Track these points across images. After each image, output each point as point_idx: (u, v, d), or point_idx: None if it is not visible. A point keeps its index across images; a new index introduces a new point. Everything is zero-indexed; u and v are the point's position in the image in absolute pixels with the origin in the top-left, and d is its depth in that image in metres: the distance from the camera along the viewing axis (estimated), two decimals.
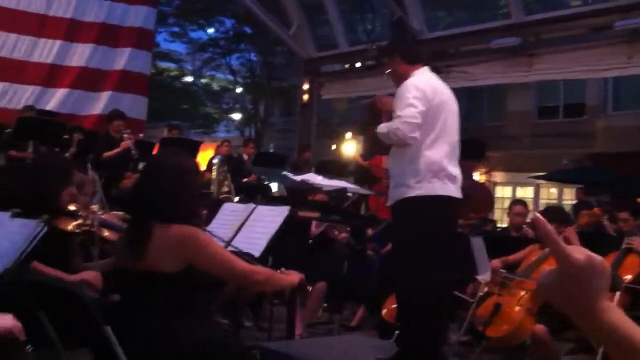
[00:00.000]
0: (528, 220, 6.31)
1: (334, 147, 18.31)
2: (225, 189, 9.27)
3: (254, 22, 18.27)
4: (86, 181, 4.18)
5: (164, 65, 25.27)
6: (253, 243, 3.22)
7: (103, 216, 4.04)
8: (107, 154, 7.47)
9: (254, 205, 3.82)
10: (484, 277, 4.72)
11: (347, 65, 13.86)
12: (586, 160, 17.63)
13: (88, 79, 11.24)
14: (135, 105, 11.32)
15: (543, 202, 19.05)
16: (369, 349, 3.98)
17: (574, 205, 9.87)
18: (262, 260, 3.94)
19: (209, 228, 3.49)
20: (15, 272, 2.45)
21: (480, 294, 4.88)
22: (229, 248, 3.10)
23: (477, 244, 4.76)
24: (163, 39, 23.93)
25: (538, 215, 1.02)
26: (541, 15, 10.73)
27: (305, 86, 14.23)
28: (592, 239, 5.17)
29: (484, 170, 19.44)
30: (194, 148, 8.12)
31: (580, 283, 1.00)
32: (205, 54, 25.86)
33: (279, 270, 3.01)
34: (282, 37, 14.17)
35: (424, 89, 3.61)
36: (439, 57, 11.53)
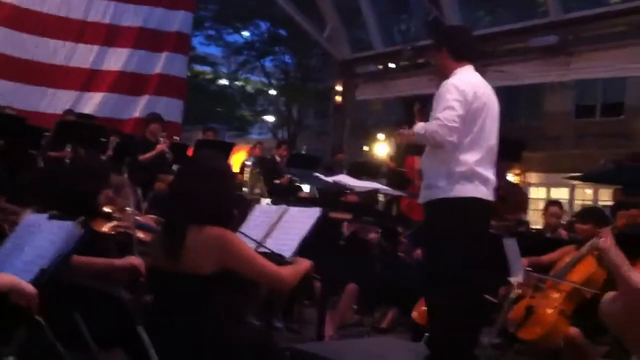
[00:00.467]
0: (563, 221, 6.23)
1: (366, 148, 18.30)
2: (258, 190, 9.34)
3: (289, 24, 18.37)
4: (125, 184, 4.25)
5: (199, 68, 25.53)
6: (285, 244, 3.23)
7: (139, 218, 4.12)
8: (142, 157, 7.58)
9: (285, 207, 3.84)
10: (516, 278, 4.67)
11: (381, 66, 13.83)
12: (625, 161, 17.27)
13: (126, 83, 11.43)
14: (172, 109, 11.47)
15: (578, 203, 18.73)
16: (399, 351, 3.98)
17: (612, 207, 9.68)
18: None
19: (241, 229, 3.54)
20: (52, 273, 2.51)
21: (513, 296, 4.84)
22: (260, 249, 3.12)
23: (511, 245, 4.72)
24: (199, 42, 24.22)
25: (604, 241, 1.02)
26: (580, 13, 10.59)
27: (339, 87, 14.26)
28: (630, 240, 5.07)
29: (518, 171, 19.20)
30: (227, 150, 8.19)
31: None
32: (240, 57, 26.04)
33: (289, 259, 3.04)
34: (317, 38, 14.21)
35: (465, 91, 3.54)
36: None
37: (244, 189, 9.35)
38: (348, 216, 5.17)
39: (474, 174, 3.55)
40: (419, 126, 3.65)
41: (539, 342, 4.39)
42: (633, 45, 9.86)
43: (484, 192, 3.58)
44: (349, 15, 14.36)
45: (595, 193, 19.14)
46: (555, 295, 4.49)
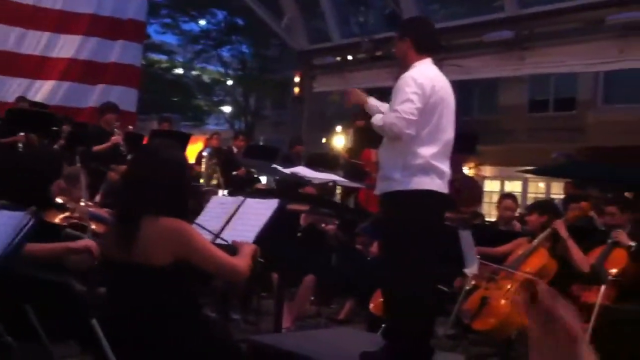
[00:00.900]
0: (516, 214, 6.35)
1: (325, 140, 18.32)
2: (215, 181, 9.26)
3: (247, 13, 18.23)
4: (78, 174, 4.16)
5: (155, 57, 25.17)
6: (242, 236, 3.21)
7: (92, 209, 4.05)
8: (97, 147, 7.44)
9: (242, 198, 3.82)
10: (471, 270, 4.74)
11: (339, 58, 13.85)
12: (576, 154, 17.70)
13: (80, 71, 11.18)
14: (126, 98, 11.26)
15: (531, 197, 19.12)
16: (356, 342, 3.99)
17: (564, 199, 9.91)
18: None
19: (197, 221, 3.50)
20: (2, 264, 2.44)
21: (468, 287, 4.91)
22: (218, 241, 3.10)
23: (466, 238, 4.79)
24: (154, 30, 23.85)
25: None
26: (535, 8, 10.77)
27: (297, 79, 14.24)
28: (581, 232, 5.20)
29: (473, 164, 19.49)
30: (184, 141, 8.09)
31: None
32: (196, 46, 25.77)
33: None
34: (274, 29, 14.14)
35: (423, 84, 3.56)
36: None
37: (201, 180, 9.26)
38: (306, 208, 5.17)
39: (431, 167, 3.57)
40: (377, 118, 3.66)
41: (493, 333, 4.47)
42: (585, 41, 10.10)
43: (440, 185, 3.61)
44: (307, 5, 14.32)
45: (548, 186, 19.57)
46: (509, 286, 4.57)
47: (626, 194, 7.66)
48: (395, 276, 3.60)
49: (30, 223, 2.56)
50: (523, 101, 20.96)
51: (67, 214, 3.55)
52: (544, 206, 5.30)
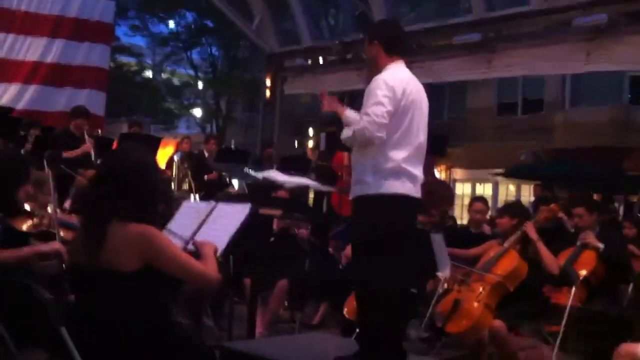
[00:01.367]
0: (487, 217, 6.40)
1: (297, 142, 18.32)
2: (186, 186, 9.18)
3: (216, 15, 18.13)
4: (46, 179, 4.08)
5: (123, 59, 24.92)
6: (214, 241, 3.17)
7: (60, 216, 3.97)
8: (67, 154, 7.31)
9: (214, 203, 3.78)
10: (443, 273, 4.76)
11: (310, 61, 13.84)
12: (544, 155, 17.96)
13: (45, 74, 10.99)
14: (94, 101, 11.10)
15: (502, 199, 19.35)
16: (329, 347, 3.98)
17: (533, 202, 10.04)
18: (224, 258, 3.92)
19: (168, 226, 3.46)
20: None
21: (440, 290, 4.94)
22: (190, 246, 3.06)
23: (438, 241, 4.80)
24: (123, 32, 23.63)
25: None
26: (502, 11, 10.86)
27: (268, 81, 14.19)
28: (550, 234, 5.26)
29: (444, 167, 19.66)
30: (154, 145, 8.01)
31: None
32: (166, 48, 25.58)
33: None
34: (244, 30, 14.09)
35: (395, 87, 3.55)
36: None
37: (172, 185, 9.17)
38: (278, 212, 5.14)
39: (402, 170, 3.57)
40: (345, 131, 3.65)
41: (466, 335, 4.50)
42: (551, 44, 10.21)
43: (411, 189, 3.61)
44: (277, 7, 14.29)
45: (519, 189, 19.81)
46: (480, 289, 4.60)
47: (595, 196, 7.78)
48: (366, 280, 3.59)
49: None
50: (491, 103, 21.20)
51: (36, 220, 3.48)
52: (515, 209, 5.34)
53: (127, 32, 24.19)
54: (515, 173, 16.76)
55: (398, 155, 3.56)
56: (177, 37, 24.85)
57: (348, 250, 5.82)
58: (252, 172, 5.31)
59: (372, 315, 3.58)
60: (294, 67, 14.14)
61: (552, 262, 4.66)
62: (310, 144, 15.58)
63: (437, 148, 7.92)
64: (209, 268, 2.73)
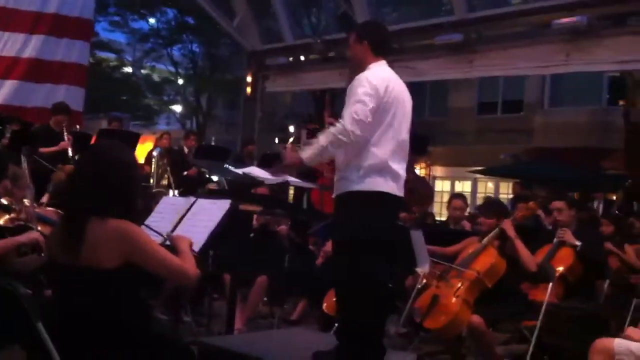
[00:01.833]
0: (466, 214, 6.44)
1: (277, 140, 18.28)
2: (165, 182, 9.14)
3: (197, 12, 18.04)
4: (21, 174, 4.05)
5: (103, 55, 24.72)
6: (193, 237, 3.16)
7: (38, 210, 3.94)
8: (44, 150, 7.26)
9: (194, 199, 3.77)
10: (422, 269, 4.79)
11: (291, 59, 13.82)
12: (523, 155, 18.12)
13: (23, 70, 10.85)
14: (73, 97, 10.97)
15: (480, 196, 19.50)
16: (309, 342, 3.99)
17: (512, 199, 10.13)
18: (203, 254, 3.91)
19: (147, 222, 3.44)
20: None
21: (419, 285, 4.96)
22: (167, 242, 3.04)
23: (417, 237, 4.83)
24: (102, 28, 23.44)
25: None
26: (483, 12, 10.92)
27: (249, 79, 14.15)
28: (528, 232, 5.31)
29: (424, 164, 19.77)
30: (133, 140, 7.96)
31: None
32: (146, 45, 25.41)
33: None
34: (226, 28, 14.03)
35: (377, 85, 3.56)
36: None
37: (151, 181, 9.11)
38: (258, 208, 5.14)
39: (385, 168, 3.58)
40: (321, 139, 3.52)
41: (444, 330, 4.53)
42: (533, 45, 10.29)
43: (393, 187, 3.63)
44: (259, 5, 14.26)
45: (497, 186, 19.97)
46: (459, 284, 4.64)
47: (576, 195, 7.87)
48: (347, 277, 3.60)
49: None
50: (472, 103, 21.34)
51: (13, 215, 3.45)
52: (494, 207, 5.36)
53: (107, 27, 24.01)
54: (495, 172, 16.90)
55: (382, 151, 3.57)
56: (158, 34, 24.70)
57: (328, 246, 5.84)
58: (232, 169, 5.28)
59: (353, 312, 3.59)
60: (276, 65, 14.12)
61: (530, 260, 4.71)
62: (290, 140, 15.56)
63: (418, 147, 7.95)
64: (187, 264, 2.72)
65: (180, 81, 26.36)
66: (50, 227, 3.45)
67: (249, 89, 14.29)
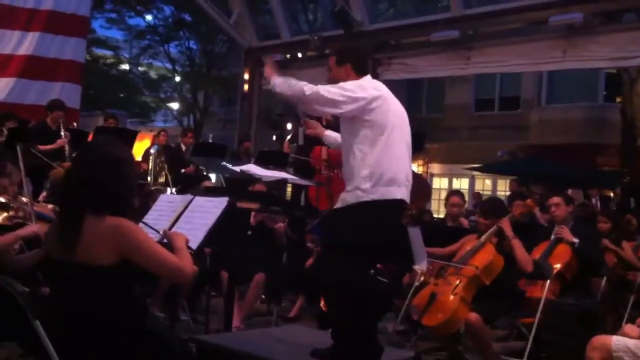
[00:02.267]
0: (463, 210, 6.44)
1: (275, 137, 18.28)
2: (162, 179, 9.13)
3: (194, 9, 18.00)
4: (14, 170, 4.04)
5: (99, 52, 24.66)
6: (191, 235, 3.16)
7: (36, 208, 3.93)
8: (42, 147, 7.25)
9: (191, 196, 3.77)
10: (420, 266, 4.79)
11: (288, 56, 13.81)
12: (520, 152, 18.15)
13: (18, 67, 10.82)
14: (69, 94, 10.96)
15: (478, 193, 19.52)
16: (306, 339, 3.99)
17: (509, 196, 10.14)
18: (200, 252, 3.90)
19: (144, 219, 3.44)
20: None
21: (417, 283, 4.96)
22: (165, 240, 3.04)
23: (415, 234, 4.83)
24: (99, 25, 23.38)
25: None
26: (480, 9, 10.92)
27: (246, 76, 14.13)
28: (525, 229, 5.31)
29: (421, 161, 19.79)
30: (130, 138, 7.95)
31: None
32: (143, 42, 25.35)
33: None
34: (222, 25, 14.01)
35: (362, 83, 3.64)
36: (380, 48, 11.63)
37: (148, 179, 9.11)
38: (255, 206, 5.13)
39: (396, 172, 3.58)
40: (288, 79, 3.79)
41: (442, 328, 4.53)
42: (529, 41, 10.30)
43: (404, 194, 3.63)
44: (256, 2, 14.25)
45: (494, 183, 20.00)
46: (457, 282, 4.64)
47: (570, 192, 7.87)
48: (344, 279, 3.57)
49: None
50: (469, 100, 21.37)
51: (10, 213, 3.44)
52: (493, 208, 5.32)
53: (104, 24, 23.98)
54: (492, 169, 16.93)
55: (391, 159, 3.56)
56: (154, 31, 24.65)
57: None
58: (229, 166, 5.28)
59: (343, 308, 3.55)
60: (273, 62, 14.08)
61: (526, 260, 4.68)
62: (288, 138, 15.53)
63: (415, 144, 7.94)
64: (184, 261, 2.71)
65: (177, 78, 26.32)
66: (48, 225, 3.44)
67: (245, 86, 14.27)
